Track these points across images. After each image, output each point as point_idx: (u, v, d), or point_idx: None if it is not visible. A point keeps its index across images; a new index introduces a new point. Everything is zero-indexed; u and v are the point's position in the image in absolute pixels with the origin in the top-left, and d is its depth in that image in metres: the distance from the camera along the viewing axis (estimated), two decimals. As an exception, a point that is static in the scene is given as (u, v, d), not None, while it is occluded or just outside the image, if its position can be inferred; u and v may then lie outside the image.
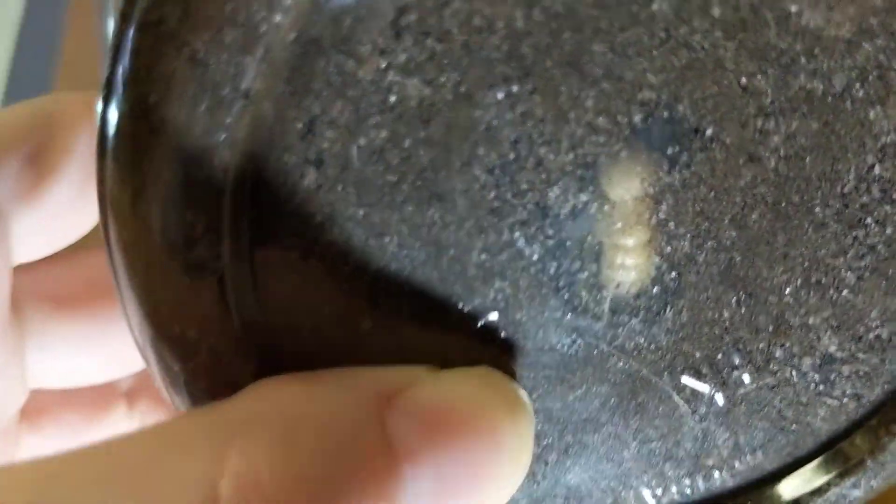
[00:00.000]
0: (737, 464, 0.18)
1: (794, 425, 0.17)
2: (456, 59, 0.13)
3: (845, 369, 0.17)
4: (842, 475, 0.18)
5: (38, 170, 0.18)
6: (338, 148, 0.13)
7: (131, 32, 0.12)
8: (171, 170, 0.12)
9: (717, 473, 0.18)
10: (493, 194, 0.14)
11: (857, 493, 0.18)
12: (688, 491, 0.18)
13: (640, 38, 0.13)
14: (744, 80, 0.14)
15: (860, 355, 0.17)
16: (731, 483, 0.18)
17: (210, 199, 0.13)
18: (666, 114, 0.14)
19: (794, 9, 0.13)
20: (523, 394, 0.16)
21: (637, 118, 0.14)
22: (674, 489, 0.18)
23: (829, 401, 0.17)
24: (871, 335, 0.17)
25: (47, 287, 0.21)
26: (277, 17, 0.12)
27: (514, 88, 0.13)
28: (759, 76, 0.14)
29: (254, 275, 0.14)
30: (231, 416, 0.13)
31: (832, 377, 0.17)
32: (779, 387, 0.17)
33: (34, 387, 0.21)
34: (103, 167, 0.13)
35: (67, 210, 0.19)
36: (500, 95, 0.13)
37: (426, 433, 0.14)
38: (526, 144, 0.14)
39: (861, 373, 0.17)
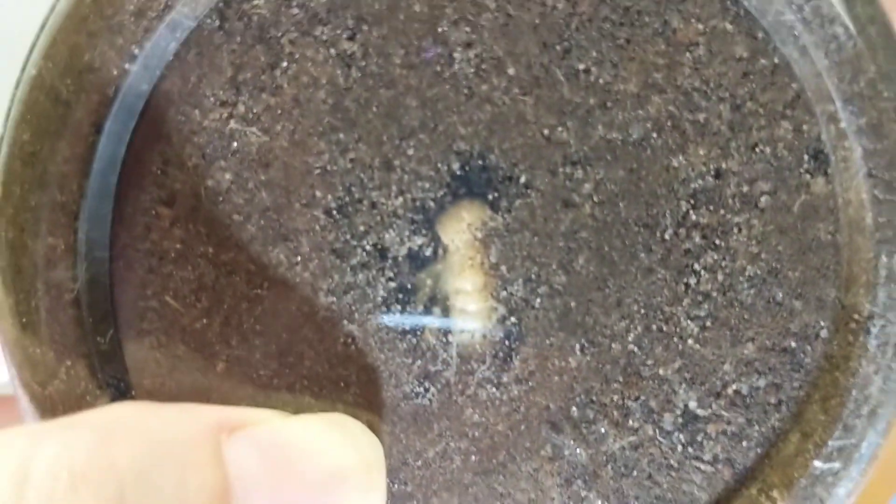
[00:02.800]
0: (616, 539, 0.17)
1: (669, 494, 0.17)
2: (288, 111, 0.15)
3: (711, 429, 0.17)
4: (727, 551, 0.17)
5: None
6: (188, 189, 0.15)
7: (19, 88, 0.15)
8: (35, 195, 0.15)
9: (596, 551, 0.17)
10: (333, 235, 0.16)
11: (744, 570, 0.17)
12: (567, 570, 0.17)
13: (447, 95, 0.16)
14: (546, 131, 0.16)
15: (723, 413, 0.17)
16: (612, 563, 0.17)
17: (68, 223, 0.15)
18: (480, 162, 0.16)
19: (581, 66, 0.16)
20: (372, 437, 0.16)
21: (455, 166, 0.16)
22: (551, 567, 0.17)
23: (702, 466, 0.17)
24: (730, 390, 0.17)
25: None
26: (128, 65, 0.14)
27: (342, 136, 0.16)
28: (559, 128, 0.16)
29: (112, 306, 0.16)
30: (62, 420, 0.14)
31: (699, 438, 0.17)
32: (643, 446, 0.17)
33: None
34: None
35: None
36: (329, 142, 0.15)
37: (266, 459, 0.14)
38: (359, 188, 0.16)
39: (729, 433, 0.17)
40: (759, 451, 0.17)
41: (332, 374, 0.16)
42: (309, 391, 0.16)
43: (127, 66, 0.15)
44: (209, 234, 0.16)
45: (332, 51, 0.15)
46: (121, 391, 0.16)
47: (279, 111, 0.15)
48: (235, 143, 0.15)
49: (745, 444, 0.17)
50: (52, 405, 0.15)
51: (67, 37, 0.15)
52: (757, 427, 0.17)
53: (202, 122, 0.15)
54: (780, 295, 0.16)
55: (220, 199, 0.15)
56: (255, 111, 0.15)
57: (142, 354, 0.16)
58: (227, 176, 0.15)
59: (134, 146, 0.15)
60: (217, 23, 0.15)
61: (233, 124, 0.15)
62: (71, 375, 0.15)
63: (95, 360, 0.15)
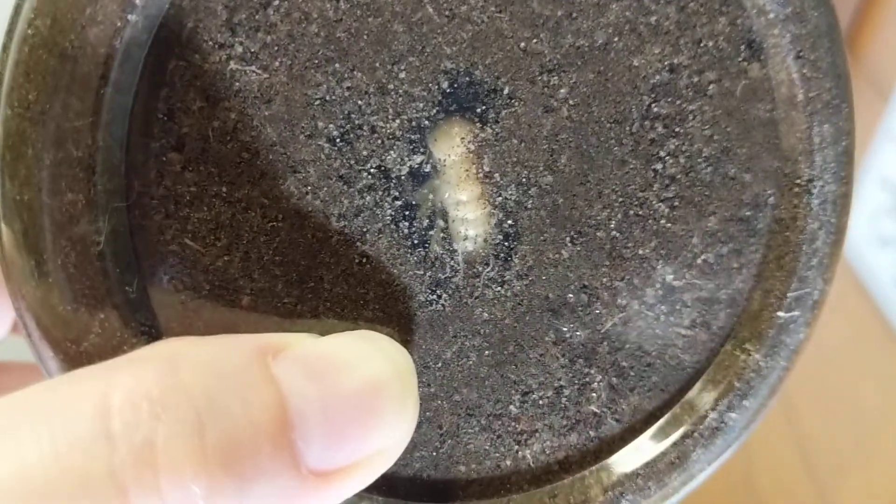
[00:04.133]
0: (618, 407, 0.19)
1: (658, 360, 0.19)
2: (284, 47, 0.16)
3: (686, 297, 0.19)
4: (715, 402, 0.19)
5: None
6: (195, 132, 0.16)
7: (12, 48, 0.15)
8: (50, 153, 0.15)
9: (603, 420, 0.19)
10: (338, 162, 0.17)
11: (734, 415, 0.19)
12: (580, 440, 0.19)
13: (430, 18, 0.17)
14: (522, 44, 0.17)
15: (696, 282, 0.19)
16: (618, 428, 0.19)
17: (86, 178, 0.15)
18: (467, 79, 0.17)
19: (547, -18, 0.17)
20: (399, 347, 0.17)
21: (444, 84, 0.17)
22: (566, 440, 0.19)
23: (682, 331, 0.19)
24: (699, 260, 0.19)
25: None
26: (131, 16, 0.15)
27: (337, 66, 0.16)
28: (534, 40, 0.17)
29: (135, 254, 0.16)
30: (120, 359, 0.15)
31: (677, 307, 0.19)
32: (631, 321, 0.19)
33: None
34: None
35: None
36: (326, 73, 0.16)
37: (311, 375, 0.15)
38: (358, 115, 0.17)
39: (702, 299, 0.19)
40: (728, 311, 0.19)
41: (351, 293, 0.17)
42: (332, 313, 0.17)
43: (129, 16, 0.15)
44: (220, 173, 0.16)
45: None
46: (153, 337, 0.16)
47: (275, 48, 0.16)
48: (237, 83, 0.16)
49: (716, 306, 0.19)
50: (88, 361, 0.16)
51: None
52: (725, 290, 0.19)
53: (203, 66, 0.16)
54: (733, 170, 0.19)
55: (228, 138, 0.16)
56: (252, 50, 0.16)
57: (168, 298, 0.16)
58: (232, 115, 0.16)
59: (140, 95, 0.16)
60: (207, -33, 0.15)
61: (232, 65, 0.16)
62: (105, 328, 0.16)
63: (126, 309, 0.16)
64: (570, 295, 0.18)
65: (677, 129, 0.18)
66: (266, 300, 0.17)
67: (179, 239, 0.16)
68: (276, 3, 0.16)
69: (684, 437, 0.19)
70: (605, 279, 0.19)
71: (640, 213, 0.18)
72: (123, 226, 0.16)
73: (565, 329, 0.19)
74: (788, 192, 0.19)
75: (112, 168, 0.15)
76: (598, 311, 0.19)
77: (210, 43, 0.16)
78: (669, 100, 0.18)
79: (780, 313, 0.19)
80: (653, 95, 0.18)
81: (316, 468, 0.15)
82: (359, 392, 0.15)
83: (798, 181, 0.19)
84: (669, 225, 0.19)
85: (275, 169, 0.16)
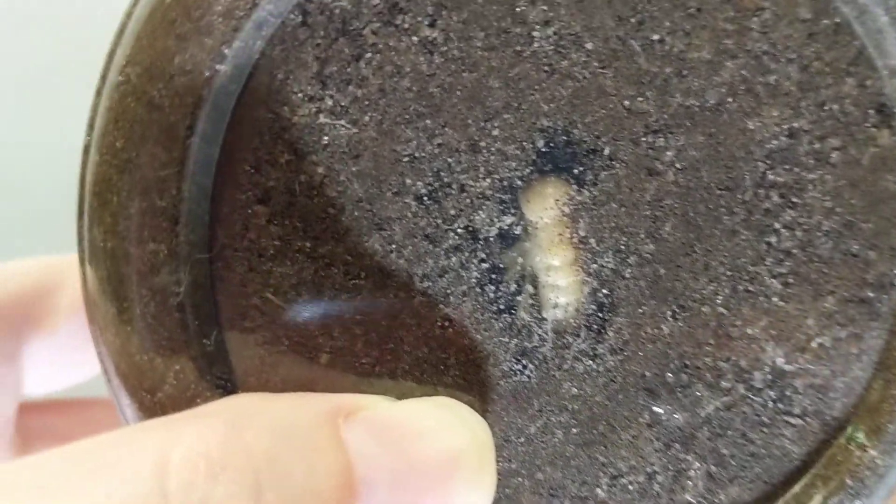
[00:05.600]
0: (716, 498, 0.18)
1: (763, 450, 0.17)
2: (375, 101, 0.16)
3: (798, 383, 0.17)
4: (824, 500, 0.17)
5: (50, 306, 0.21)
6: (282, 185, 0.16)
7: (104, 94, 0.15)
8: (135, 202, 0.15)
9: (698, 512, 0.18)
10: (425, 221, 0.16)
11: (844, 517, 0.17)
12: (671, 533, 0.18)
13: (528, 73, 0.16)
14: (626, 102, 0.16)
15: (809, 367, 0.17)
16: (714, 521, 0.18)
17: (169, 228, 0.15)
18: (564, 138, 0.16)
19: (656, 37, 0.16)
20: (479, 418, 0.16)
21: (540, 143, 0.16)
22: (656, 531, 0.18)
23: (792, 420, 0.17)
24: (814, 344, 0.17)
25: (55, 429, 0.23)
26: (219, 66, 0.15)
27: (428, 122, 0.16)
28: (639, 98, 0.16)
29: (215, 306, 0.16)
30: (190, 412, 0.14)
31: (787, 393, 0.17)
32: (736, 406, 0.17)
33: None
34: (82, 212, 0.15)
35: (72, 347, 0.22)
36: (416, 129, 0.16)
37: (383, 440, 0.14)
38: (447, 173, 0.16)
39: (815, 386, 0.17)
40: (844, 400, 0.17)
41: (431, 357, 0.16)
42: (410, 376, 0.16)
43: (217, 66, 0.15)
44: (305, 228, 0.16)
45: (414, 38, 0.15)
46: (229, 391, 0.16)
47: (366, 102, 0.16)
48: (326, 137, 0.16)
49: (831, 395, 0.17)
50: (162, 411, 0.15)
51: (155, 41, 0.15)
52: (841, 377, 0.17)
53: (292, 119, 0.15)
54: (856, 247, 0.17)
55: (314, 193, 0.16)
56: (342, 104, 0.15)
57: (247, 353, 0.16)
58: (320, 170, 0.16)
59: (227, 146, 0.15)
60: (300, 18, 0.15)
61: (322, 118, 0.15)
62: (180, 379, 0.15)
63: (202, 361, 0.15)
64: (669, 374, 0.17)
65: (795, 200, 0.17)
66: (345, 359, 0.16)
67: (261, 293, 0.16)
68: (369, 55, 0.15)
69: None
70: (708, 359, 0.17)
71: (751, 289, 0.17)
72: (205, 277, 0.16)
73: (662, 411, 0.17)
74: None
75: (196, 219, 0.15)
76: (698, 394, 0.17)
77: (300, 95, 0.15)
78: (787, 167, 0.16)
79: None
80: (769, 162, 0.16)
81: None
82: (433, 462, 0.15)
83: (932, 262, 0.17)
84: (782, 303, 0.17)
85: (360, 226, 0.16)
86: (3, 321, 0.21)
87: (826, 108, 0.16)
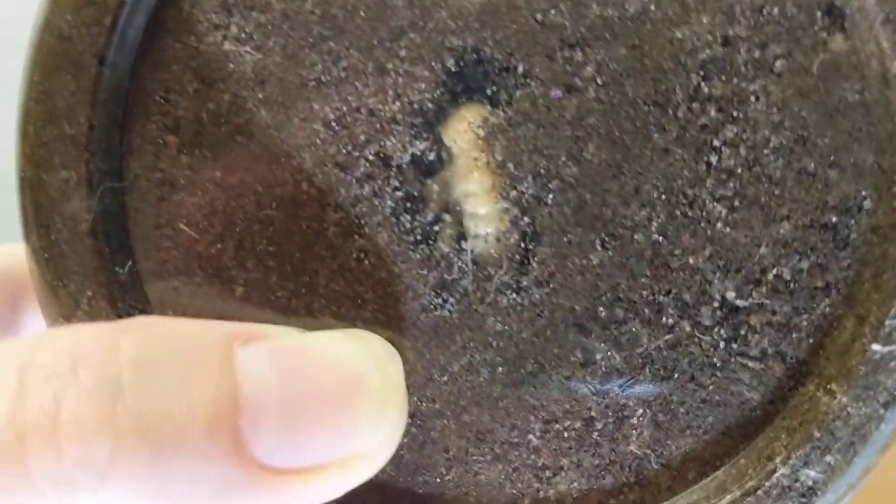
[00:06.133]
0: (664, 450, 0.16)
1: (716, 396, 0.16)
2: (278, 26, 0.16)
3: (754, 321, 0.16)
4: (788, 453, 0.15)
5: None
6: (191, 114, 0.16)
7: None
8: (48, 130, 0.15)
9: (646, 463, 0.16)
10: (334, 148, 0.16)
11: (810, 472, 0.15)
12: (616, 485, 0.16)
13: (433, -10, 0.15)
14: (539, 16, 0.15)
15: (767, 302, 0.16)
16: (664, 475, 0.16)
17: (78, 155, 0.15)
18: (475, 56, 0.16)
19: (567, -53, 0.15)
20: (391, 350, 0.16)
21: (450, 63, 0.16)
22: (598, 483, 0.16)
23: (749, 363, 0.16)
24: (770, 276, 0.16)
25: None
26: (122, -4, 0.15)
27: (332, 45, 0.16)
28: (552, 11, 0.15)
29: (128, 236, 0.16)
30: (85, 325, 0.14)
31: (742, 331, 0.16)
32: (681, 345, 0.16)
33: None
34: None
35: None
36: (321, 53, 0.16)
37: (279, 366, 0.14)
38: (355, 97, 0.16)
39: (775, 324, 0.16)
40: (810, 341, 0.16)
41: (348, 291, 0.16)
42: (328, 311, 0.16)
43: None
44: (215, 157, 0.16)
45: None
46: None
47: (269, 27, 0.16)
48: (231, 64, 0.16)
49: (794, 335, 0.16)
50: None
51: None
52: (805, 315, 0.16)
53: (198, 47, 0.16)
54: (812, 165, 0.15)
55: (222, 121, 0.16)
56: (247, 30, 0.16)
57: (162, 284, 0.16)
58: (227, 97, 0.16)
59: (136, 76, 0.16)
60: (204, -52, 0.15)
61: (227, 45, 0.16)
62: (92, 306, 0.16)
63: (115, 290, 0.16)
64: (602, 308, 0.16)
65: (736, 114, 0.15)
66: (260, 292, 0.16)
67: (174, 224, 0.16)
68: (271, -19, 0.16)
69: (746, 494, 0.15)
70: (644, 292, 0.16)
71: (690, 213, 0.15)
72: (118, 207, 0.16)
73: (595, 349, 0.16)
74: (887, 192, 0.15)
75: (107, 148, 0.16)
76: (635, 330, 0.16)
77: (205, 24, 0.16)
78: (724, 78, 0.15)
79: (875, 346, 0.15)
80: (702, 73, 0.15)
81: (269, 464, 0.13)
82: (331, 386, 0.14)
83: (899, 178, 0.15)
84: (728, 230, 0.15)
85: (269, 154, 0.16)
86: (1, 292, 0.22)
87: (765, 11, 0.15)
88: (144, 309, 0.16)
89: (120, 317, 0.16)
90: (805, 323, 0.16)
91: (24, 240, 0.16)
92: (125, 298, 0.16)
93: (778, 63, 0.15)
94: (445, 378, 0.16)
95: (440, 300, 0.16)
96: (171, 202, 0.16)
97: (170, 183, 0.16)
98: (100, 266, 0.16)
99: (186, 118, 0.16)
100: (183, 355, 0.14)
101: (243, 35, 0.16)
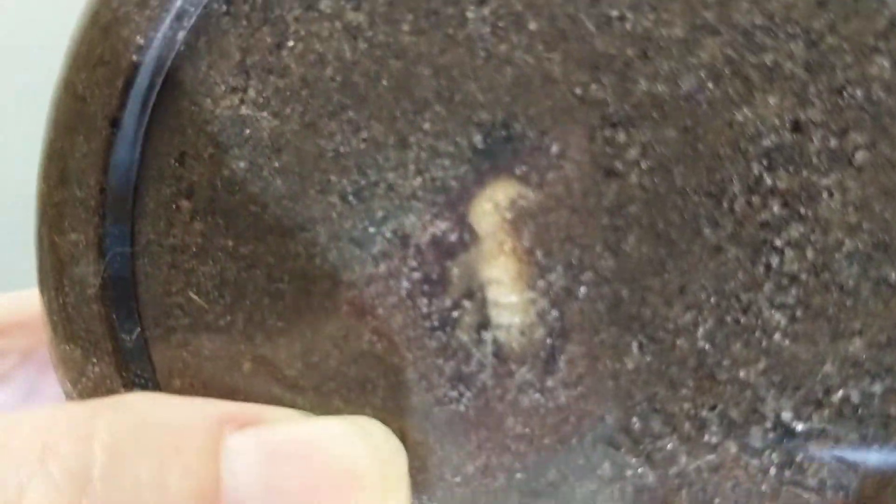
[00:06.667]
0: (700, 584, 0.14)
1: None
2: (296, 91, 0.15)
3: (813, 448, 0.14)
4: None
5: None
6: (205, 180, 0.15)
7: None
8: (59, 191, 0.15)
9: None
10: (350, 223, 0.15)
11: None
12: None
13: (462, 60, 0.14)
14: (578, 90, 0.14)
15: (829, 427, 0.13)
16: None
17: (87, 219, 0.15)
18: (504, 133, 0.14)
19: (615, 13, 0.13)
20: (398, 445, 0.14)
21: (476, 139, 0.14)
22: None
23: (805, 493, 0.14)
24: (835, 398, 0.13)
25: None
26: (135, 57, 0.14)
27: (352, 114, 0.14)
28: (593, 85, 0.14)
29: (137, 303, 0.15)
30: (81, 402, 0.14)
31: (798, 458, 0.14)
32: (724, 467, 0.14)
33: None
34: None
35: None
36: (340, 122, 0.14)
37: (270, 455, 0.13)
38: (374, 170, 0.14)
39: (838, 454, 0.13)
40: (879, 477, 0.13)
41: (358, 374, 0.15)
42: (337, 394, 0.15)
43: (135, 57, 0.14)
44: (228, 226, 0.15)
45: (338, 23, 0.14)
46: (149, 390, 0.15)
47: (288, 93, 0.15)
48: (248, 130, 0.15)
49: (858, 465, 0.13)
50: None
51: (85, 34, 0.15)
52: (874, 444, 0.13)
53: (215, 111, 0.15)
54: (893, 275, 0.13)
55: (237, 188, 0.15)
56: (265, 95, 0.15)
57: (169, 353, 0.15)
58: (242, 164, 0.15)
59: (151, 139, 0.15)
60: (223, 7, 0.15)
61: (244, 110, 0.15)
62: (96, 373, 0.15)
63: (122, 357, 0.15)
64: (635, 419, 0.14)
65: (803, 211, 0.13)
66: (268, 369, 0.15)
67: (184, 292, 0.15)
68: (291, 43, 0.14)
69: None
70: (685, 404, 0.14)
71: (743, 321, 0.14)
72: (128, 272, 0.15)
73: (625, 464, 0.14)
74: None
75: (119, 212, 0.15)
76: (672, 447, 0.14)
77: (223, 86, 0.15)
78: (791, 169, 0.13)
79: None
80: (765, 162, 0.13)
81: None
82: (324, 485, 0.13)
83: None
84: (787, 342, 0.13)
85: (282, 225, 0.15)
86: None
87: (846, 94, 0.13)
88: (151, 378, 0.15)
89: (125, 385, 0.15)
90: (874, 455, 0.13)
91: (41, 299, 0.16)
92: (131, 367, 0.15)
93: (858, 154, 0.13)
94: (458, 479, 0.15)
95: (456, 393, 0.15)
96: (182, 269, 0.15)
97: (181, 249, 0.15)
98: (107, 332, 0.15)
99: (201, 184, 0.15)
100: (165, 441, 0.13)
101: (261, 100, 0.15)
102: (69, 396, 0.15)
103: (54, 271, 0.15)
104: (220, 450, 0.13)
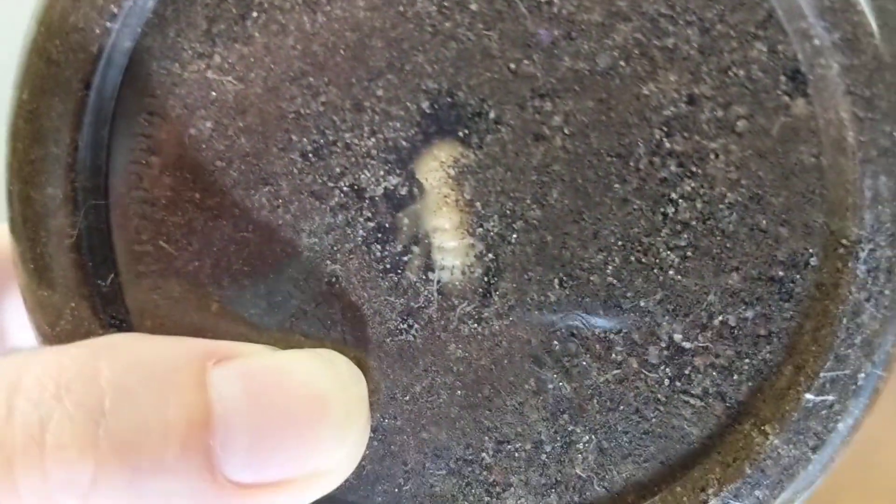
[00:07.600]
0: (607, 473, 0.17)
1: (658, 429, 0.17)
2: (260, 58, 0.16)
3: (698, 362, 0.17)
4: (720, 486, 0.17)
5: None
6: (173, 138, 0.16)
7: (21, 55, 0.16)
8: (35, 149, 0.16)
9: (589, 485, 0.17)
10: (311, 177, 0.17)
11: (738, 505, 0.17)
12: (560, 502, 0.17)
13: (411, 34, 0.16)
14: (512, 65, 0.16)
15: (711, 346, 0.17)
16: (606, 497, 0.17)
17: (64, 175, 0.16)
18: (449, 100, 0.16)
19: (543, -1, 0.16)
20: (356, 371, 0.17)
21: (424, 105, 0.16)
22: (543, 500, 0.17)
23: (691, 400, 0.17)
24: (717, 322, 0.17)
25: None
26: (109, 24, 0.16)
27: (312, 80, 0.16)
28: (525, 61, 0.16)
29: (112, 251, 0.17)
30: (68, 344, 0.15)
31: (686, 371, 0.17)
32: (628, 380, 0.17)
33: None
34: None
35: None
36: (301, 87, 0.16)
37: (249, 385, 0.15)
38: (332, 130, 0.16)
39: (718, 366, 0.17)
40: (750, 384, 0.17)
41: (318, 312, 0.17)
42: (298, 330, 0.17)
43: (108, 24, 0.16)
44: (195, 180, 0.17)
45: None
46: (123, 331, 0.17)
47: (252, 59, 0.16)
48: (214, 93, 0.16)
49: (735, 377, 0.17)
50: (60, 345, 0.16)
51: (56, 2, 0.16)
52: (747, 360, 0.17)
53: (182, 74, 0.16)
54: (764, 222, 0.16)
55: (203, 146, 0.16)
56: (229, 61, 0.16)
57: (141, 296, 0.17)
58: (208, 124, 0.16)
59: (122, 100, 0.16)
60: (190, -21, 0.16)
61: (210, 74, 0.16)
62: (75, 316, 0.17)
63: (97, 301, 0.17)
64: (556, 342, 0.17)
65: (695, 169, 0.16)
66: (234, 308, 0.17)
67: (155, 240, 0.17)
68: (255, 14, 0.16)
69: None
70: (597, 329, 0.17)
71: (644, 260, 0.16)
72: (103, 223, 0.17)
73: (547, 378, 0.17)
74: (833, 252, 0.16)
75: (93, 168, 0.16)
76: (586, 364, 0.17)
77: (190, 52, 0.16)
78: (686, 135, 0.16)
79: (808, 395, 0.16)
80: (665, 129, 0.16)
81: (237, 479, 0.15)
82: (297, 406, 0.15)
83: (844, 241, 0.16)
84: (679, 277, 0.16)
85: (247, 179, 0.17)
86: None
87: (731, 73, 0.16)
88: (125, 319, 0.17)
89: (102, 327, 0.17)
90: (746, 367, 0.17)
91: (12, 245, 0.17)
92: (106, 309, 0.17)
93: (740, 123, 0.16)
94: (408, 398, 0.17)
95: (406, 325, 0.17)
96: (152, 220, 0.17)
97: (151, 202, 0.17)
98: (83, 279, 0.17)
99: (169, 141, 0.16)
100: (159, 377, 0.15)
101: (226, 65, 0.16)
102: (46, 338, 0.17)
103: (31, 223, 0.16)
104: (206, 381, 0.15)
